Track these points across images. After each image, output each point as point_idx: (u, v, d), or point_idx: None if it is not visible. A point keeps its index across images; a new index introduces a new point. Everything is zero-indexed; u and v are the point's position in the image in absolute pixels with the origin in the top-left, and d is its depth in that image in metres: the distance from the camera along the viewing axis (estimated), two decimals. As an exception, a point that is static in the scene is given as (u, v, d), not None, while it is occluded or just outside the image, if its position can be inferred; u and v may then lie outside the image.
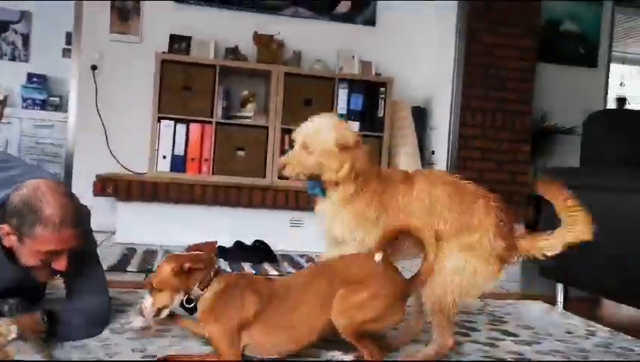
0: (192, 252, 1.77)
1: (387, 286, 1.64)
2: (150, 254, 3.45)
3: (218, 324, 1.65)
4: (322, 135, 1.88)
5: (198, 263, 1.67)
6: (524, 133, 4.45)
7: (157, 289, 1.67)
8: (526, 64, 4.44)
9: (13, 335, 1.52)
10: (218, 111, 4.18)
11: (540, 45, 4.57)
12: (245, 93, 4.29)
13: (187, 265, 1.65)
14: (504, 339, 2.11)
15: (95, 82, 4.30)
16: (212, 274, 1.69)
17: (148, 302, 1.68)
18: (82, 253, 1.79)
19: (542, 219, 4.41)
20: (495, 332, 2.20)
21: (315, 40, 4.60)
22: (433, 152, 4.65)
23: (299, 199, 4.02)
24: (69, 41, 7.45)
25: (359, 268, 1.68)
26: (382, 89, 4.40)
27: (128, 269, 3.00)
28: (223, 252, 3.48)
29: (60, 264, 1.66)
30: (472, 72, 4.37)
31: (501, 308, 2.61)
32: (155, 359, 1.64)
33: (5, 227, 1.61)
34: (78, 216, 1.69)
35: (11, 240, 1.63)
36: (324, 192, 1.88)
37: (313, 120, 1.99)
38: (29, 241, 1.60)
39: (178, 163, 4.12)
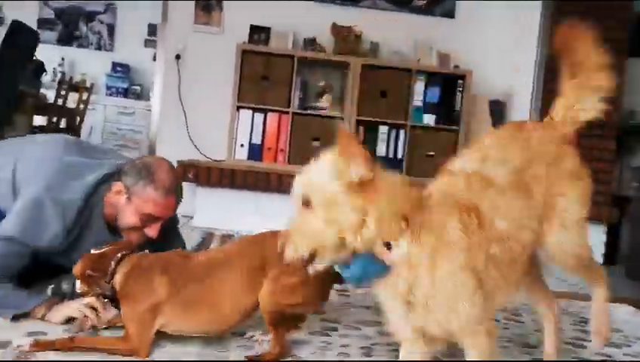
0: (102, 250, 1.68)
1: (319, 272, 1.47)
2: (228, 239, 3.55)
3: (127, 307, 1.59)
4: (322, 177, 1.19)
5: (99, 265, 1.62)
6: (610, 130, 4.25)
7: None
8: (615, 59, 4.24)
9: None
10: (295, 102, 4.24)
11: (631, 39, 4.35)
12: (322, 84, 4.33)
13: (88, 272, 1.61)
14: (591, 341, 2.04)
15: (179, 71, 4.45)
16: (115, 263, 1.63)
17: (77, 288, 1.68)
18: (170, 229, 1.93)
19: (624, 220, 4.23)
20: (580, 333, 2.14)
21: (392, 31, 4.57)
22: (511, 148, 4.52)
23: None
24: (151, 32, 7.78)
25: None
26: (460, 82, 4.33)
27: (209, 252, 3.10)
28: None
29: (153, 230, 1.83)
30: (555, 65, 4.21)
31: (586, 309, 2.52)
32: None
33: (119, 185, 1.82)
34: (180, 191, 1.89)
35: (119, 200, 1.82)
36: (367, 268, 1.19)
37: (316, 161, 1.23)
38: (136, 200, 1.80)
39: (255, 151, 4.22)
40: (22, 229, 1.71)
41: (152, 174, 1.80)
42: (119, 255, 1.65)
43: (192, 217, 4.07)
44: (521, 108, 4.44)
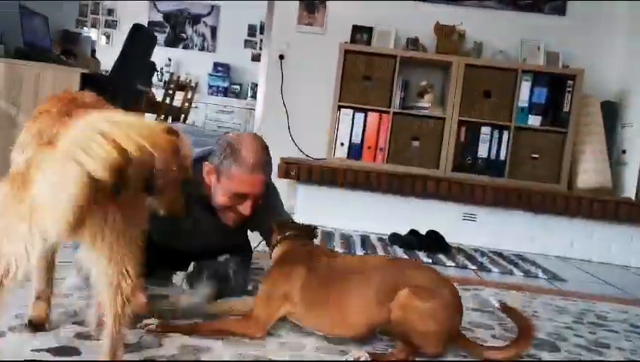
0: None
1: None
2: (328, 236, 3.61)
3: (264, 286, 1.68)
4: None
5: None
6: None
7: None
8: None
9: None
10: (396, 101, 4.24)
11: None
12: (424, 83, 4.30)
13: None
14: None
15: (282, 71, 4.58)
16: (276, 240, 1.78)
17: None
18: (266, 204, 1.95)
19: None
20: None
21: (497, 30, 4.46)
22: (624, 151, 4.28)
23: (474, 193, 3.95)
24: (250, 33, 8.04)
25: (425, 278, 1.58)
26: (569, 82, 4.15)
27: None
28: (398, 239, 3.55)
29: (245, 207, 1.83)
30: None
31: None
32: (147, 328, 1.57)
33: (208, 165, 1.84)
34: (268, 167, 1.85)
35: (210, 180, 1.84)
36: None
37: None
38: (224, 180, 1.80)
39: (355, 150, 4.26)
40: None
41: (236, 152, 1.79)
42: (287, 233, 1.76)
43: (293, 213, 4.17)
44: (636, 109, 4.19)
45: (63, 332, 1.47)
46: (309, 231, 1.83)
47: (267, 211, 1.97)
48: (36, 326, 1.45)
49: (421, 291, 1.53)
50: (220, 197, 1.83)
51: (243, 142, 1.81)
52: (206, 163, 1.85)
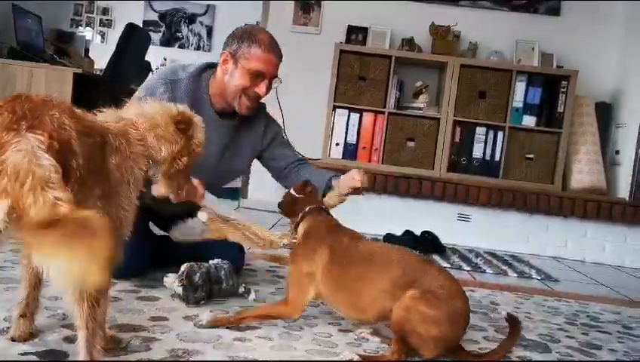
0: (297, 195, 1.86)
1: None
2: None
3: (292, 267, 1.72)
4: None
5: (292, 208, 1.82)
6: None
7: None
8: None
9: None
10: (391, 102, 4.23)
11: None
12: (419, 83, 4.29)
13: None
14: None
15: (276, 71, 4.56)
16: (301, 216, 1.77)
17: None
18: None
19: None
20: None
21: (492, 30, 4.46)
22: (618, 152, 4.29)
23: (469, 193, 3.95)
24: (246, 33, 8.02)
25: (440, 285, 1.53)
26: (563, 83, 4.15)
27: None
28: (393, 240, 3.54)
29: (261, 88, 2.01)
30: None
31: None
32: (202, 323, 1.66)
33: (225, 53, 2.01)
34: (280, 53, 2.08)
35: (226, 67, 2.00)
36: None
37: None
38: (242, 61, 1.98)
39: (350, 150, 4.25)
40: (149, 91, 1.92)
41: (253, 36, 1.99)
42: (307, 208, 1.77)
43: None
44: (630, 110, 4.19)
45: (50, 336, 1.46)
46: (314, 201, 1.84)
47: (279, 142, 2.28)
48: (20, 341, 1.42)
49: (431, 297, 1.50)
50: (239, 79, 1.99)
51: (257, 28, 2.09)
52: (222, 53, 2.01)
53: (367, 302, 1.59)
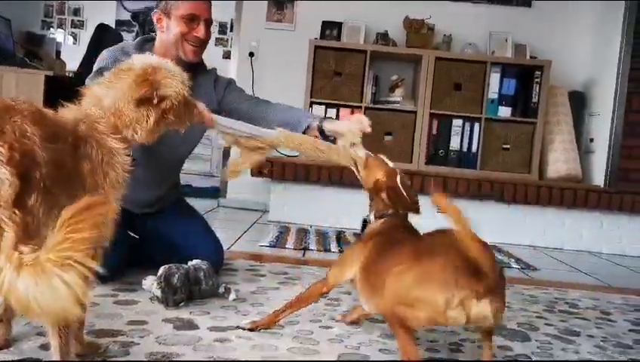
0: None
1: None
2: (303, 233, 3.60)
3: (346, 250, 1.77)
4: None
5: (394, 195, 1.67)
6: (703, 121, 4.02)
7: None
8: None
9: None
10: (367, 96, 4.24)
11: None
12: (394, 77, 4.30)
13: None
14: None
15: (252, 69, 4.54)
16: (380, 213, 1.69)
17: None
18: None
19: None
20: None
21: (466, 23, 4.48)
22: (592, 140, 4.35)
23: (447, 186, 3.97)
24: (221, 31, 7.96)
25: None
26: (537, 73, 4.19)
27: (287, 246, 3.16)
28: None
29: (200, 30, 2.07)
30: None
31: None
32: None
33: (157, 11, 2.09)
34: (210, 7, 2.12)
35: (162, 24, 2.07)
36: None
37: None
38: (174, 12, 2.05)
39: (328, 146, 4.24)
40: (103, 65, 1.96)
41: None
42: (389, 211, 1.68)
43: (267, 211, 4.16)
44: (603, 98, 4.25)
45: (26, 345, 1.43)
46: (414, 205, 1.71)
47: (234, 88, 2.28)
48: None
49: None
50: (174, 29, 2.06)
51: None
52: (153, 13, 2.10)
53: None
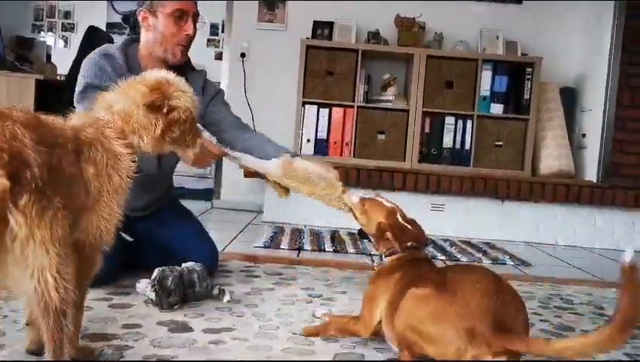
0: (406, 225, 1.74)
1: None
2: (298, 233, 3.59)
3: (371, 286, 1.65)
4: None
5: (398, 233, 1.67)
6: (693, 115, 4.04)
7: None
8: None
9: None
10: (359, 95, 4.24)
11: None
12: (386, 76, 4.31)
13: (387, 234, 1.69)
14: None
15: (244, 70, 4.53)
16: (399, 247, 1.66)
17: None
18: None
19: None
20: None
21: (457, 21, 4.49)
22: (584, 135, 4.37)
23: (441, 183, 3.98)
24: (213, 32, 7.94)
25: None
26: (528, 70, 4.20)
27: (282, 247, 3.15)
28: (367, 234, 3.54)
29: (188, 26, 2.04)
30: (633, 47, 4.04)
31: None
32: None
33: (142, 10, 2.05)
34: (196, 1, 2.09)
35: (149, 23, 2.04)
36: None
37: None
38: (160, 9, 2.02)
39: (321, 146, 4.25)
40: (89, 75, 1.97)
41: None
42: (409, 244, 1.67)
43: (261, 212, 4.15)
44: (594, 94, 4.27)
45: (20, 346, 1.42)
46: (422, 237, 1.72)
47: (220, 101, 2.30)
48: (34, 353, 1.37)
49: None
50: (162, 28, 2.03)
51: None
52: (139, 12, 2.06)
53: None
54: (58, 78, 4.95)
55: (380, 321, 1.58)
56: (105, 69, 1.98)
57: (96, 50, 2.09)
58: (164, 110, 1.41)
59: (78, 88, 1.99)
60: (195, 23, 2.07)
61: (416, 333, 1.34)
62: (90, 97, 1.74)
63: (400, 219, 1.74)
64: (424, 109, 4.21)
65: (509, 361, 1.27)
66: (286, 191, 2.10)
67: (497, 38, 4.42)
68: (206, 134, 1.92)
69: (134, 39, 2.16)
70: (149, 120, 1.40)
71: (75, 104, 1.97)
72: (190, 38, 2.08)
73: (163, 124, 1.42)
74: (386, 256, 1.72)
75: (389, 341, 1.56)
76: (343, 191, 1.92)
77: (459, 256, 3.21)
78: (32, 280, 1.11)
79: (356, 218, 1.87)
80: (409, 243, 1.68)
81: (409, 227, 1.72)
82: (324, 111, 4.23)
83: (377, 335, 1.62)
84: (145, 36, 2.09)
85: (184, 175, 5.67)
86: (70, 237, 1.21)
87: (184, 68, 2.12)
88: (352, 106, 4.22)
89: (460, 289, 1.33)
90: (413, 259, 1.67)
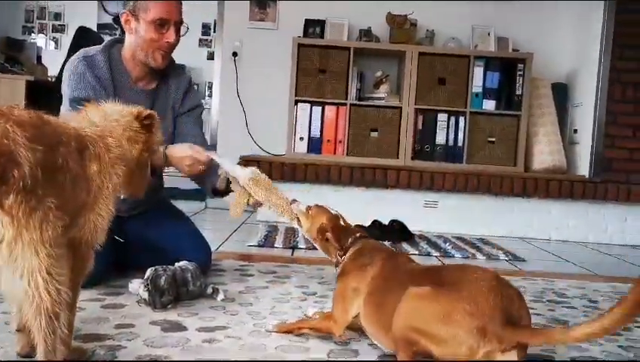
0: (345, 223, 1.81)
1: None
2: (292, 231, 3.59)
3: (339, 284, 1.63)
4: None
5: (339, 234, 1.72)
6: (684, 109, 4.06)
7: None
8: None
9: None
10: (352, 93, 4.24)
11: None
12: (379, 74, 4.31)
13: (328, 235, 1.73)
14: None
15: (236, 69, 4.52)
16: (352, 240, 1.70)
17: None
18: None
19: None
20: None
21: (448, 17, 4.50)
22: (576, 131, 4.38)
23: (435, 180, 3.99)
24: (205, 32, 7.93)
25: None
26: (520, 65, 4.21)
27: (276, 245, 3.15)
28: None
29: (170, 34, 2.02)
30: (623, 42, 4.05)
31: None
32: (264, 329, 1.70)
33: (125, 12, 2.02)
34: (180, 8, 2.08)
35: (131, 26, 2.02)
36: None
37: None
38: (142, 15, 1.99)
39: (315, 144, 4.24)
40: (71, 86, 1.96)
41: None
42: (358, 234, 1.72)
43: (255, 211, 4.14)
44: (585, 89, 4.28)
45: (11, 349, 1.41)
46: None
47: (195, 116, 2.26)
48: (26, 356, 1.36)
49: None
50: (143, 34, 2.00)
51: None
52: (122, 14, 2.03)
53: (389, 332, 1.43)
54: (49, 79, 4.92)
55: (357, 316, 1.57)
56: (85, 75, 1.98)
57: (78, 53, 2.06)
58: (152, 130, 1.52)
59: (63, 101, 2.00)
60: (177, 30, 2.05)
61: (419, 333, 1.29)
62: (75, 110, 1.74)
63: (342, 223, 1.79)
64: (417, 106, 4.22)
65: (519, 358, 1.25)
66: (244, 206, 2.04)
67: (489, 34, 4.43)
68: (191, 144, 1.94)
69: (118, 40, 2.15)
70: (138, 133, 1.47)
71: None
72: (172, 46, 2.06)
73: (145, 142, 1.50)
74: (341, 257, 1.71)
75: (371, 336, 1.55)
76: (291, 202, 1.94)
77: (453, 253, 3.22)
78: (22, 282, 1.10)
79: (300, 226, 1.86)
80: (358, 234, 1.73)
81: (349, 227, 1.78)
82: (317, 110, 4.23)
83: (352, 329, 1.62)
84: (128, 39, 2.08)
85: (178, 176, 5.65)
86: (65, 236, 1.20)
87: (167, 69, 2.14)
88: (345, 104, 4.22)
89: (464, 288, 1.30)
90: (372, 247, 1.68)
